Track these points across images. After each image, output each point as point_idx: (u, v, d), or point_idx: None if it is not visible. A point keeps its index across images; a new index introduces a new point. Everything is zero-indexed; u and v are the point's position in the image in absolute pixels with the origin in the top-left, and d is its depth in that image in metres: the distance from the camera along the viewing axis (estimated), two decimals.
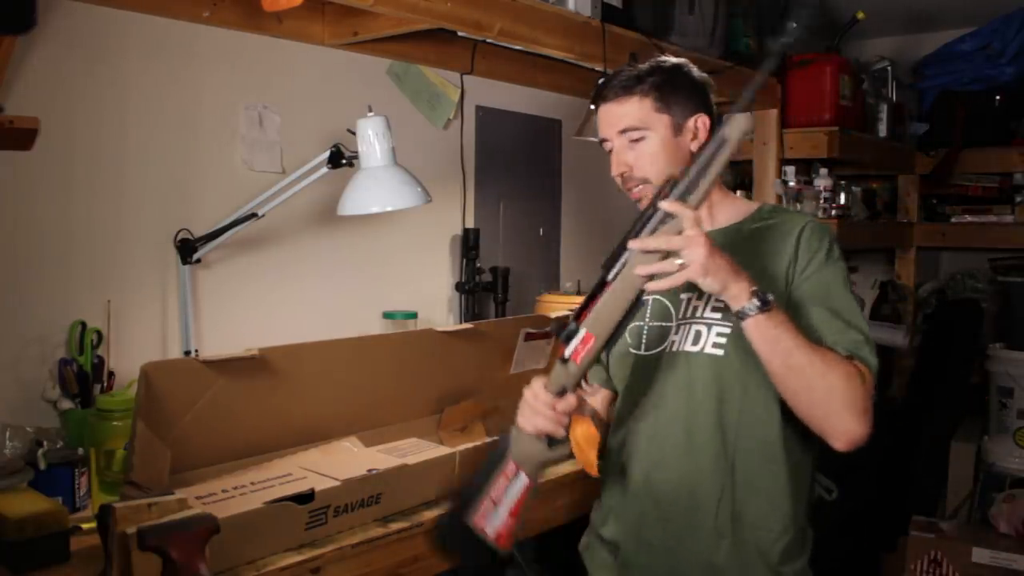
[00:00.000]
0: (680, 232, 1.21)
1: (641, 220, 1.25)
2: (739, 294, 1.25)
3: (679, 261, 1.20)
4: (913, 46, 4.08)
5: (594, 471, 1.45)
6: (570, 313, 1.33)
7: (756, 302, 1.24)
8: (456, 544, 1.32)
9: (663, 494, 1.44)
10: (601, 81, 1.55)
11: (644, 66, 1.48)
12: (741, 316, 1.26)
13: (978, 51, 3.78)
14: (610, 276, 1.27)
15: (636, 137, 1.45)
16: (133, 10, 1.79)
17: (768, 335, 1.26)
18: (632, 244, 1.23)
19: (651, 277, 1.23)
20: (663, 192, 1.24)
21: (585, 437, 1.44)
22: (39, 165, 1.69)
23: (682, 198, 1.22)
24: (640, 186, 1.45)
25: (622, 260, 1.25)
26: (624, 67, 1.51)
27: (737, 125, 1.21)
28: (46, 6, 1.63)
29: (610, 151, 1.49)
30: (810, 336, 1.30)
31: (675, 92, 1.46)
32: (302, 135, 2.15)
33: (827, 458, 1.43)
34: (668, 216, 1.22)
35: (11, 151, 1.58)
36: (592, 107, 1.55)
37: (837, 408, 1.29)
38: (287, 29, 2.04)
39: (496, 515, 1.30)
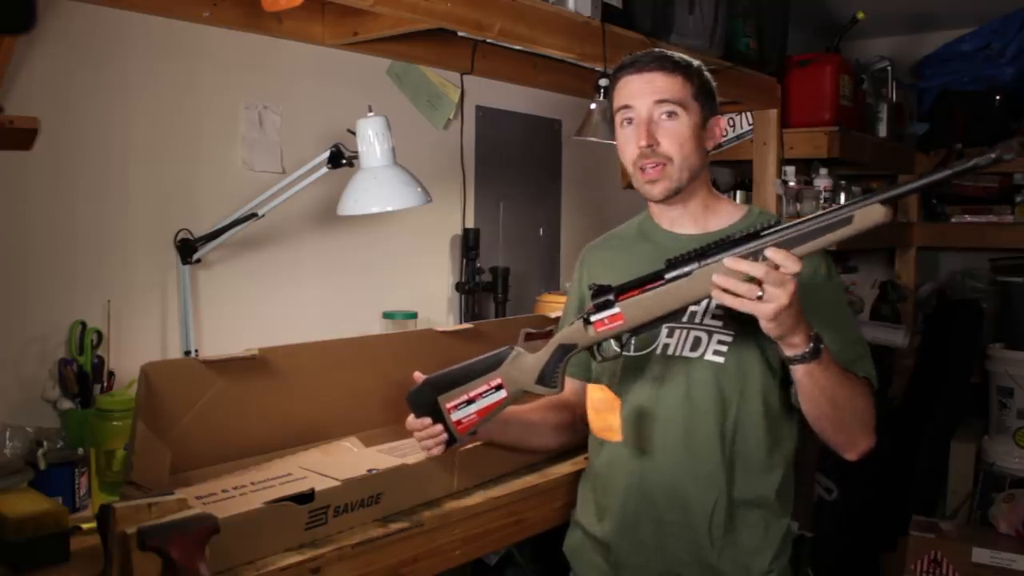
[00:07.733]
0: (776, 268, 1.17)
1: (728, 243, 1.23)
2: (798, 343, 1.24)
3: (759, 293, 1.17)
4: (913, 46, 4.09)
5: (617, 436, 1.39)
6: (613, 284, 1.33)
7: (810, 349, 1.24)
8: (415, 403, 1.44)
9: (658, 496, 1.44)
10: (637, 53, 1.49)
11: (678, 55, 1.46)
12: (792, 362, 1.26)
13: (978, 51, 3.79)
14: (669, 275, 1.26)
15: (672, 111, 1.41)
16: (133, 10, 1.79)
17: (820, 381, 1.28)
18: (728, 262, 1.20)
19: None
20: (765, 229, 1.21)
21: (604, 401, 1.40)
22: (39, 165, 1.69)
23: (782, 246, 1.18)
24: (655, 165, 1.42)
25: (690, 267, 1.24)
26: (658, 49, 1.48)
27: (870, 215, 1.16)
28: (46, 6, 1.64)
29: (628, 120, 1.44)
30: None
31: (708, 89, 1.46)
32: (302, 135, 2.15)
33: (827, 458, 1.44)
34: (762, 254, 1.19)
35: (11, 151, 1.58)
36: (614, 74, 1.47)
37: (860, 429, 1.36)
38: (287, 29, 2.03)
39: (466, 409, 1.43)
